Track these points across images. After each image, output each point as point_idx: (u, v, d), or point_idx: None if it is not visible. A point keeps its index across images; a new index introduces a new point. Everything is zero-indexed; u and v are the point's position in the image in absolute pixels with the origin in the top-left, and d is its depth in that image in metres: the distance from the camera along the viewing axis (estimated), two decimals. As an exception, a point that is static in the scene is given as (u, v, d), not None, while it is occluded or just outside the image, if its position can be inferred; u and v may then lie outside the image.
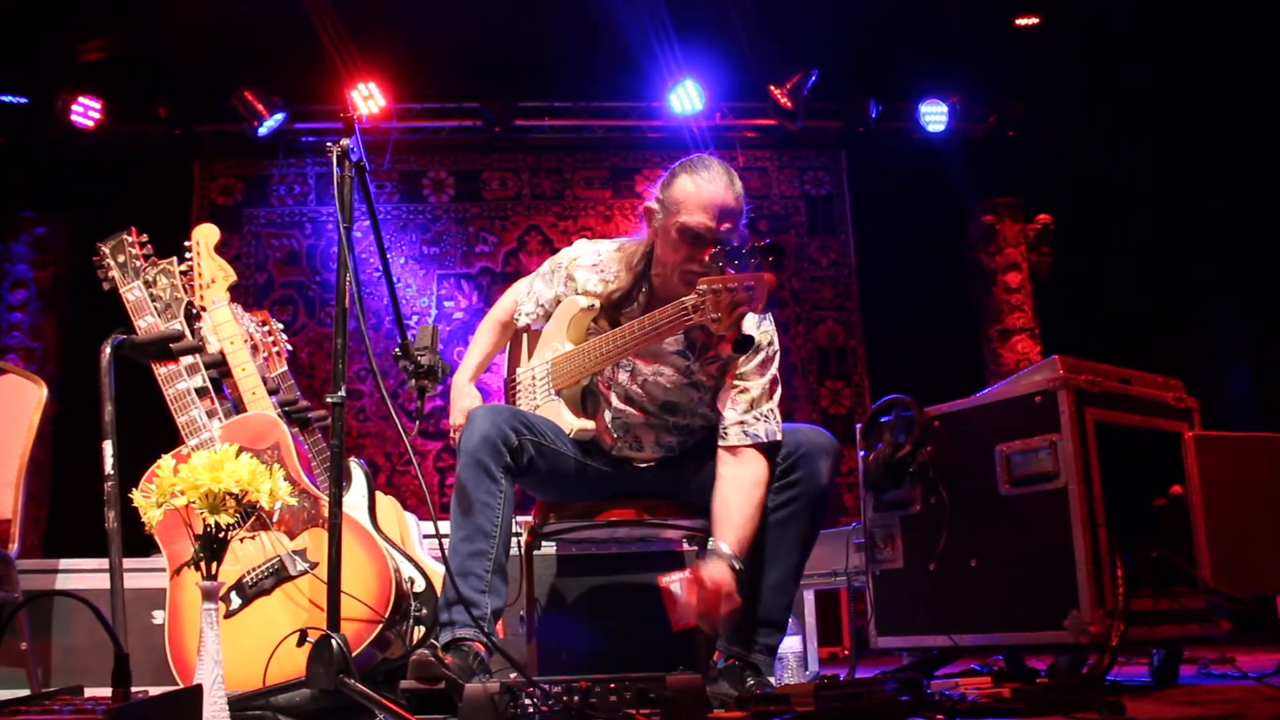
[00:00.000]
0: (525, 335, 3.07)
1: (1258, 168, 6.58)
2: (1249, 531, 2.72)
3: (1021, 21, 7.11)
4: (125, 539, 2.74)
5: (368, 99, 7.19)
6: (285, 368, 3.33)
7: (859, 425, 3.07)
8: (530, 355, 3.01)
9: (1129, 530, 2.63)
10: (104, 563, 3.74)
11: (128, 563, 2.99)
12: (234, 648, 2.34)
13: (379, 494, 3.08)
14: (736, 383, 2.68)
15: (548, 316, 2.91)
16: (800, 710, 2.03)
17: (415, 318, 7.44)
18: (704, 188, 2.56)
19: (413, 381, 2.55)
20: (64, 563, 4.10)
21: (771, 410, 2.68)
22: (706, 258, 2.45)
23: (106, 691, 1.67)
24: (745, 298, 2.28)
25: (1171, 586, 2.67)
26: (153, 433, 3.32)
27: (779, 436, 2.66)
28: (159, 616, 3.91)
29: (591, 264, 2.83)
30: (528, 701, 2.01)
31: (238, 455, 2.06)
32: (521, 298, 3.01)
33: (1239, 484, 2.77)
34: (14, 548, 3.79)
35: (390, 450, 7.24)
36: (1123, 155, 6.94)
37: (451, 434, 2.88)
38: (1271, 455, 2.82)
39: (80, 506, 4.30)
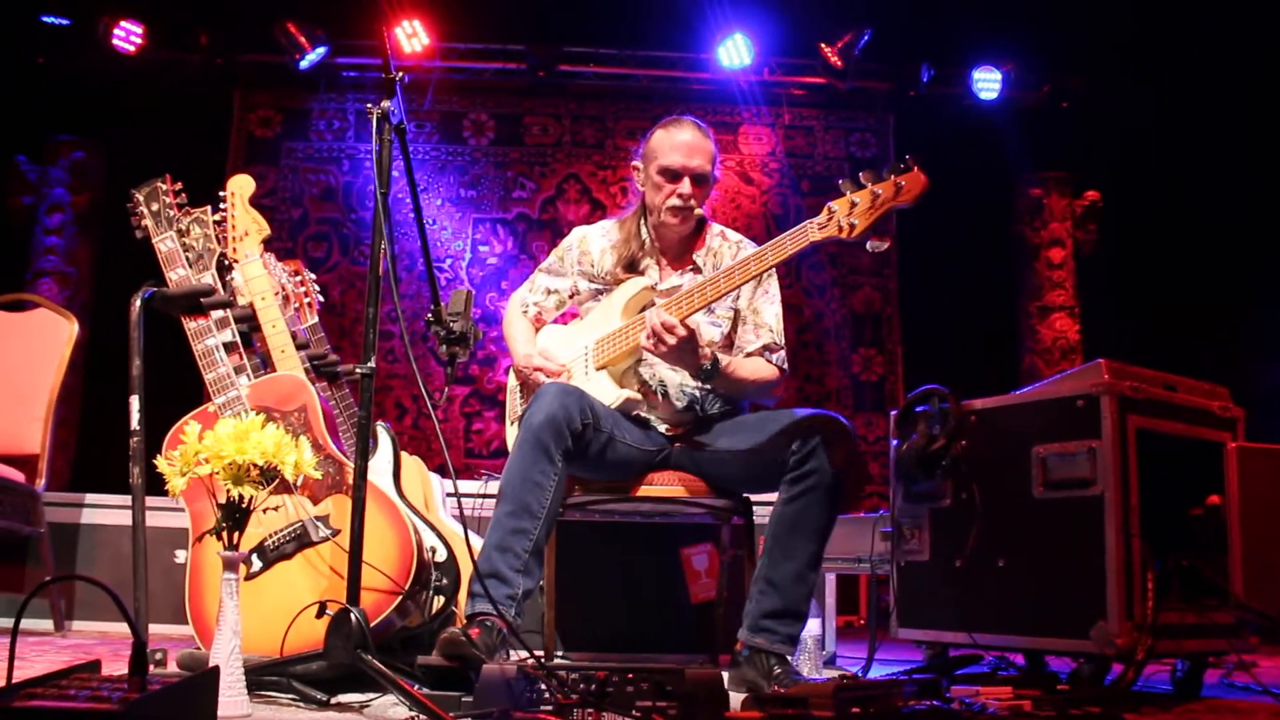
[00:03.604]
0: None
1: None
2: (1286, 548, 2.66)
3: (1082, -11, 6.91)
4: (149, 478, 2.73)
5: (411, 37, 7.11)
6: (316, 319, 3.29)
7: (894, 413, 3.02)
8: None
9: (1162, 539, 2.58)
10: (128, 499, 3.76)
11: (151, 501, 2.99)
12: (253, 610, 2.34)
13: (404, 455, 3.06)
14: (749, 316, 2.98)
15: (559, 306, 3.18)
16: (818, 715, 2.01)
17: (449, 260, 7.41)
18: (674, 134, 2.95)
19: (444, 348, 2.52)
20: (90, 498, 4.13)
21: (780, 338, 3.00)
22: (686, 190, 2.89)
23: (123, 629, 1.65)
24: (892, 193, 2.38)
25: (1201, 599, 2.62)
26: (181, 370, 3.31)
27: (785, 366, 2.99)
28: (180, 556, 3.94)
29: (601, 235, 3.12)
30: (543, 686, 1.99)
31: (264, 421, 2.04)
32: (524, 296, 3.23)
33: (1279, 498, 2.70)
34: (41, 483, 3.82)
35: (418, 392, 7.24)
36: (1179, 133, 6.75)
37: (522, 368, 3.04)
38: (1316, 472, 2.75)
39: (109, 434, 4.31)
